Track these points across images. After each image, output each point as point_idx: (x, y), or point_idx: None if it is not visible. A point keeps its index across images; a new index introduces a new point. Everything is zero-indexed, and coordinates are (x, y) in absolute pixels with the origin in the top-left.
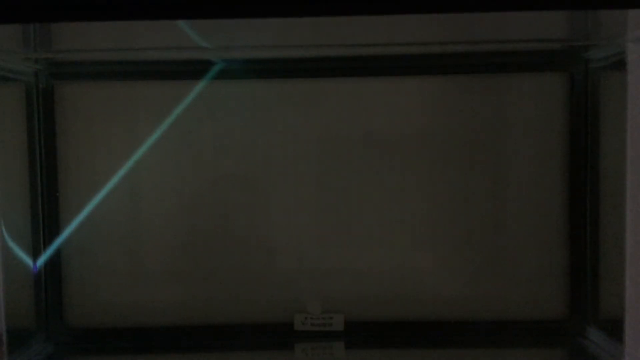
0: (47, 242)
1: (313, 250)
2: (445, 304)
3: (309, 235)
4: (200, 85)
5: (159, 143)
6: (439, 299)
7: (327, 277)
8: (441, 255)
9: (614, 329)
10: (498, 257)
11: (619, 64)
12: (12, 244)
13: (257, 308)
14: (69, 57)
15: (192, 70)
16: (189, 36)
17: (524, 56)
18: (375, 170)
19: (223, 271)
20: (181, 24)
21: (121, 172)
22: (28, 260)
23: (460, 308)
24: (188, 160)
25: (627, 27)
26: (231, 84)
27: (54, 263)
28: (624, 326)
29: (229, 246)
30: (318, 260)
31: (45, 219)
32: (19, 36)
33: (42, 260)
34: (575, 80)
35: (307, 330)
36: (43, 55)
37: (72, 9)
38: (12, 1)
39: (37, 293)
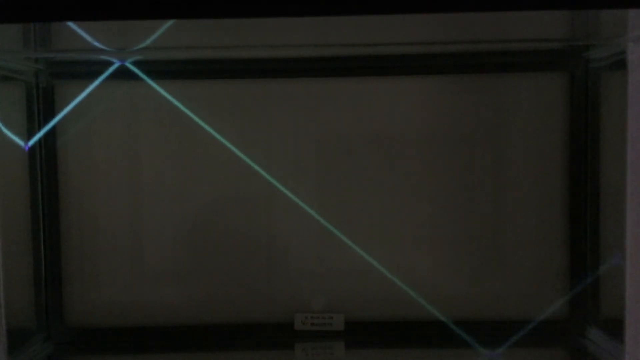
0: (48, 241)
1: (313, 250)
2: (445, 304)
3: (309, 234)
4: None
5: (159, 143)
6: (439, 299)
7: (327, 276)
8: (441, 255)
9: (614, 328)
10: (498, 257)
11: (619, 64)
12: None
13: (257, 308)
14: (69, 57)
15: (194, 69)
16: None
17: (524, 56)
18: (376, 170)
19: (223, 271)
20: None
21: (121, 172)
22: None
23: (461, 308)
24: (188, 160)
25: (627, 27)
26: (232, 83)
27: (54, 263)
28: (624, 326)
29: (229, 246)
30: (318, 260)
31: (45, 219)
32: (20, 36)
33: (34, 140)
34: (575, 80)
35: (307, 329)
36: (43, 54)
37: (72, 9)
38: (12, 1)
39: (37, 293)
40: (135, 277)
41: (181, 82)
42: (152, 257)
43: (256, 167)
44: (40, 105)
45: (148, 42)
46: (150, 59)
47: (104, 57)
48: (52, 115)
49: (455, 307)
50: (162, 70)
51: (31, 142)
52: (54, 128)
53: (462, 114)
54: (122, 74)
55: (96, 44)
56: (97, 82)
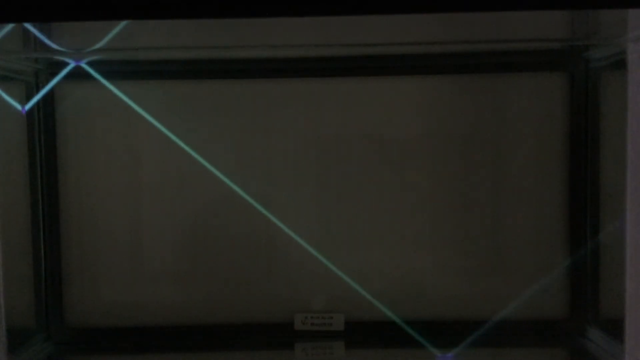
0: (48, 241)
1: (313, 250)
2: (445, 304)
3: (309, 234)
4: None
5: (159, 142)
6: (439, 299)
7: (327, 276)
8: (441, 255)
9: (614, 328)
10: (498, 257)
11: (619, 64)
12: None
13: (257, 308)
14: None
15: (194, 69)
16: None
17: (524, 56)
18: (375, 170)
19: (223, 271)
20: None
21: (121, 172)
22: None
23: (461, 308)
24: (188, 159)
25: (627, 27)
26: (232, 83)
27: (54, 263)
28: (624, 326)
29: (229, 246)
30: (318, 260)
31: (45, 219)
32: (19, 36)
33: (32, 102)
34: (575, 80)
35: (307, 329)
36: (43, 54)
37: (72, 9)
38: (12, 1)
39: (37, 293)
40: (135, 277)
41: (181, 82)
42: (152, 257)
43: (221, 177)
44: (40, 105)
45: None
46: (150, 59)
47: (102, 57)
48: (52, 115)
49: (455, 307)
50: (162, 70)
51: (29, 106)
52: (54, 128)
53: (462, 114)
54: (123, 74)
55: (53, 45)
56: (55, 81)
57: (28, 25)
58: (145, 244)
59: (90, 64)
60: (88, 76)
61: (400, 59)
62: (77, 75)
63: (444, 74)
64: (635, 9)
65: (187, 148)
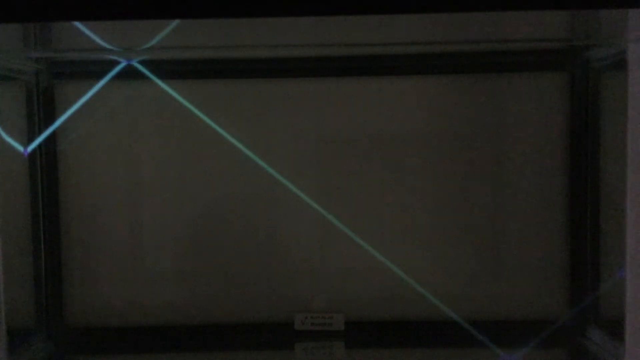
0: (47, 241)
1: (313, 250)
2: (445, 304)
3: (309, 234)
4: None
5: (159, 142)
6: (439, 299)
7: (327, 276)
8: (441, 255)
9: (614, 328)
10: (498, 257)
11: (619, 64)
12: None
13: (257, 308)
14: (69, 56)
15: (195, 69)
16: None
17: (524, 56)
18: (376, 170)
19: (223, 271)
20: None
21: (121, 172)
22: (19, 146)
23: (461, 308)
24: (188, 160)
25: (627, 27)
26: (232, 83)
27: (54, 263)
28: (624, 326)
29: (229, 246)
30: (318, 260)
31: (45, 219)
32: (20, 36)
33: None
34: (575, 80)
35: (307, 329)
36: (44, 54)
37: (72, 9)
38: (12, 1)
39: (37, 293)
40: (136, 277)
41: (181, 82)
42: (152, 257)
43: (270, 169)
44: (40, 105)
45: (153, 42)
46: (149, 59)
47: (105, 56)
48: (52, 115)
49: (455, 307)
50: (162, 70)
51: (30, 148)
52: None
53: (462, 114)
54: (121, 73)
55: (102, 43)
56: (103, 82)
57: (78, 24)
58: (145, 244)
59: (89, 63)
60: (89, 77)
61: (400, 59)
62: (78, 75)
63: (444, 74)
64: (635, 9)
65: (238, 142)
